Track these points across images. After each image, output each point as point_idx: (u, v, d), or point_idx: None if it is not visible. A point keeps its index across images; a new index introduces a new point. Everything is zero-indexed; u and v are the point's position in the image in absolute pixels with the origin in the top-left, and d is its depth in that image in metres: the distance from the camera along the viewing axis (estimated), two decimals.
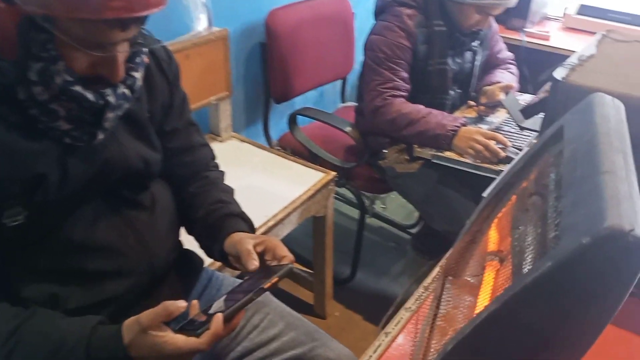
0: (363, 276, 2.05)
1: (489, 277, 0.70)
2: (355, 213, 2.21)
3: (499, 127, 1.60)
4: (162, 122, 0.94)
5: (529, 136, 1.55)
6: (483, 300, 0.66)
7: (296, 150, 1.93)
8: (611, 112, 0.54)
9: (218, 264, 1.27)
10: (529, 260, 0.56)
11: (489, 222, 0.68)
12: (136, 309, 0.87)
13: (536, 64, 2.16)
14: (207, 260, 1.18)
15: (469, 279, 0.74)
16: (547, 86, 0.94)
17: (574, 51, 2.10)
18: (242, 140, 1.86)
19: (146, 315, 0.69)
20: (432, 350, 0.64)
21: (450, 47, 1.66)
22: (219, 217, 0.94)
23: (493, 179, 1.50)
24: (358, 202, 1.86)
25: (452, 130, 1.51)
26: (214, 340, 0.70)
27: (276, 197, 1.54)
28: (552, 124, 0.85)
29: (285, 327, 1.05)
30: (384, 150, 1.74)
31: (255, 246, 0.86)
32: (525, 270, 0.53)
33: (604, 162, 0.45)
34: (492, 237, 0.71)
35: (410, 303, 0.83)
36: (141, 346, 0.70)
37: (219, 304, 0.78)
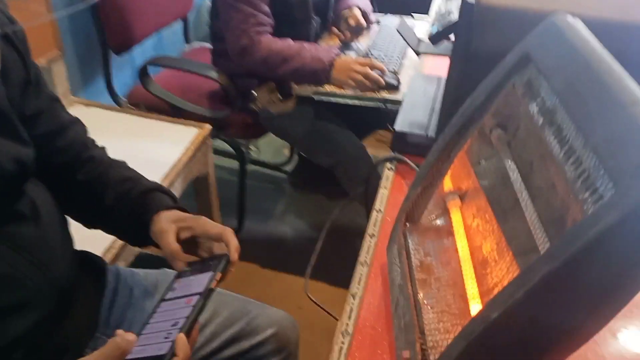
0: (249, 224, 1.98)
1: (456, 216, 0.68)
2: (225, 161, 2.09)
3: (368, 53, 1.58)
4: (21, 105, 0.73)
5: (400, 59, 1.56)
6: (461, 240, 0.65)
7: (151, 105, 1.71)
8: (585, 33, 0.52)
9: (112, 255, 1.10)
10: (525, 197, 0.54)
11: (449, 163, 0.66)
12: (49, 344, 0.71)
13: None
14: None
15: (431, 222, 0.72)
16: (441, 11, 0.92)
17: None
18: (88, 104, 1.60)
19: (94, 359, 0.55)
20: (427, 306, 0.61)
21: None
22: (136, 198, 0.78)
23: (374, 108, 1.53)
24: (236, 152, 1.74)
25: (330, 63, 1.45)
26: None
27: (152, 164, 1.35)
28: (466, 49, 0.84)
29: (216, 308, 0.96)
30: (253, 92, 1.63)
31: (180, 232, 0.74)
32: (526, 205, 0.51)
33: (619, 92, 0.43)
34: (449, 177, 0.69)
35: (364, 256, 0.79)
36: None
37: (158, 320, 0.65)
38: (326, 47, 1.53)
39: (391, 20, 1.81)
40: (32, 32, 1.36)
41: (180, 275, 0.73)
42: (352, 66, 1.43)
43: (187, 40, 2.14)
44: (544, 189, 0.55)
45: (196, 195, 1.59)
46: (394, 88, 1.42)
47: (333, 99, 1.46)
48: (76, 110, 1.56)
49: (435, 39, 0.87)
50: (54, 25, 1.44)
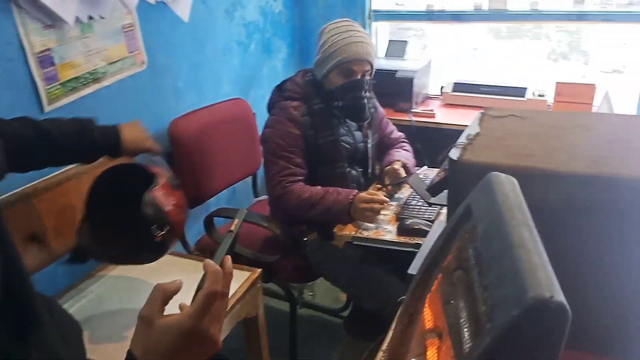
0: None
1: (432, 356, 0.73)
2: (281, 304, 2.18)
3: (408, 202, 1.70)
4: None
5: (435, 208, 1.66)
6: None
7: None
8: (508, 188, 0.62)
9: None
10: (467, 335, 0.60)
11: (422, 301, 0.73)
12: None
13: (426, 138, 2.36)
14: None
15: None
16: (445, 165, 1.04)
17: (455, 124, 2.35)
18: None
19: (143, 309, 0.65)
20: None
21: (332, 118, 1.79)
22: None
23: (413, 253, 1.62)
24: (287, 294, 1.85)
25: (348, 205, 1.61)
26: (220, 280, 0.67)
27: None
28: (456, 200, 0.94)
29: None
30: (305, 239, 1.78)
31: None
32: (466, 346, 0.57)
33: (514, 236, 0.51)
34: (427, 315, 0.75)
35: None
36: (151, 346, 0.63)
37: None
38: (348, 190, 1.69)
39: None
40: None
41: None
42: (360, 205, 1.59)
43: (255, 194, 2.39)
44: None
45: (245, 336, 1.68)
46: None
47: (370, 244, 1.57)
48: None
49: (431, 190, 0.98)
50: None
